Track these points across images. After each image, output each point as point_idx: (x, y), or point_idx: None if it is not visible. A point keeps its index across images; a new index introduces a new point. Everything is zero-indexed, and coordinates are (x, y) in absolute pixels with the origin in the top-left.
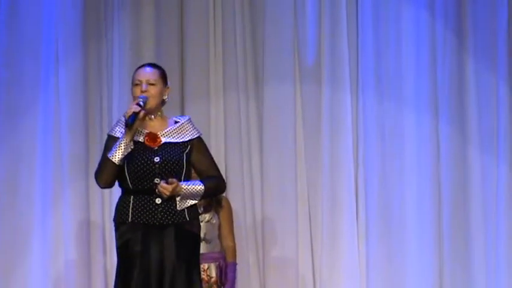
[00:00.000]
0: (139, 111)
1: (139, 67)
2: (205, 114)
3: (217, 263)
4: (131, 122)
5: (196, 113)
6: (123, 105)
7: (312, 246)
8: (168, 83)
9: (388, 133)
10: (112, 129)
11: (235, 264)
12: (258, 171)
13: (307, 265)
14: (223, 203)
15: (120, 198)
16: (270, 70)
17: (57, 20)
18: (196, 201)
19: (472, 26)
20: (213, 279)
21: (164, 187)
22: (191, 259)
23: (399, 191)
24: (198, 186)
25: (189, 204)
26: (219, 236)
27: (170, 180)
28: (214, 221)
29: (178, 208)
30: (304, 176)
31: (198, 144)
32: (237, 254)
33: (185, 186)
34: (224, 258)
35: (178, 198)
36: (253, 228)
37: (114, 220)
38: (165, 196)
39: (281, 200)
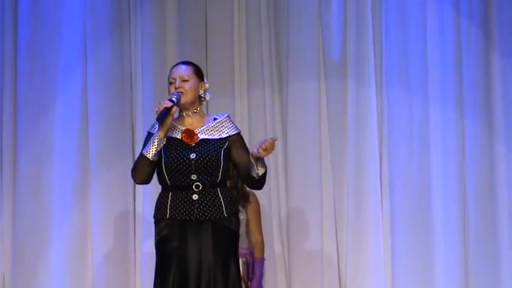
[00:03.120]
0: (171, 106)
1: (174, 66)
2: (229, 111)
3: (245, 259)
4: (162, 117)
5: (221, 110)
6: (149, 97)
7: (337, 241)
8: (205, 79)
9: (413, 129)
10: (152, 127)
11: (263, 259)
12: (283, 167)
13: (332, 260)
14: (251, 198)
15: (160, 195)
16: (295, 67)
17: (86, 12)
18: (255, 177)
19: (498, 21)
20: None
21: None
22: (229, 256)
23: (424, 187)
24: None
25: (260, 173)
26: (247, 232)
27: (273, 137)
28: (242, 217)
29: (253, 175)
30: (329, 172)
31: (237, 140)
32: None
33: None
34: (251, 254)
35: (259, 163)
36: (279, 223)
37: (154, 216)
38: (263, 155)
39: (306, 195)
